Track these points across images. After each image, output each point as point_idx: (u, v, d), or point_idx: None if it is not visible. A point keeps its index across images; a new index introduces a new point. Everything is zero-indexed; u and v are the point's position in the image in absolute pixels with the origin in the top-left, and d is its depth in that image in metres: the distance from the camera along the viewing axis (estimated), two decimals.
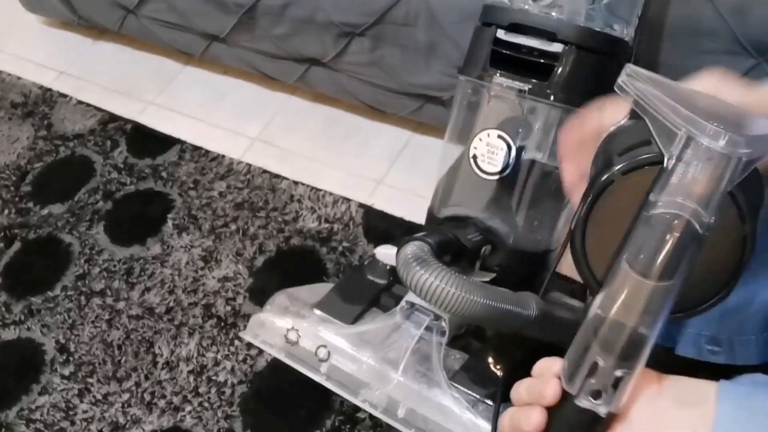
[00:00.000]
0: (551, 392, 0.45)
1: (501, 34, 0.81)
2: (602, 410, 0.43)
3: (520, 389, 0.47)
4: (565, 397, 0.45)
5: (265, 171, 1.27)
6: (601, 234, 0.49)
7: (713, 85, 0.50)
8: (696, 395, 0.45)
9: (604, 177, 0.48)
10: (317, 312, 0.86)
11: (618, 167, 0.48)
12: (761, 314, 0.66)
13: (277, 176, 1.26)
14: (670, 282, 0.42)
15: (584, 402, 0.43)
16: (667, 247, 0.42)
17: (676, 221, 0.42)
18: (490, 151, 0.82)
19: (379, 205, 1.20)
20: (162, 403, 1.01)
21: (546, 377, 0.46)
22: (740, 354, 0.69)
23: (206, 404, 1.00)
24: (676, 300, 0.43)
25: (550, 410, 0.45)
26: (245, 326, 0.87)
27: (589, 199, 0.49)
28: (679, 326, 0.72)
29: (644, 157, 0.46)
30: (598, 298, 0.44)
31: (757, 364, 0.69)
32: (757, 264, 0.56)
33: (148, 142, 1.35)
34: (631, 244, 0.43)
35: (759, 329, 0.68)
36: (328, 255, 1.14)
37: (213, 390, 1.01)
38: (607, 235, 0.47)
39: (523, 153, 0.81)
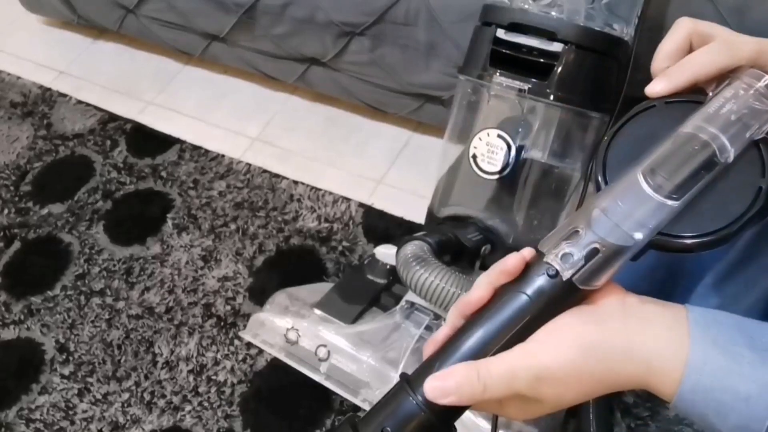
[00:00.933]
0: (512, 261, 0.45)
1: (501, 33, 0.81)
2: (567, 272, 0.43)
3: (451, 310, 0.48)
4: (535, 261, 0.45)
5: (264, 170, 1.27)
6: (624, 151, 0.50)
7: (689, 27, 0.52)
8: (662, 301, 0.46)
9: (647, 103, 0.51)
10: (317, 311, 0.87)
11: (663, 99, 0.50)
12: (760, 304, 0.66)
13: (276, 176, 1.26)
14: (673, 201, 0.43)
15: (551, 258, 0.44)
16: (684, 165, 0.44)
17: (697, 141, 0.44)
18: (490, 151, 0.82)
19: (379, 204, 1.20)
20: (162, 402, 1.01)
21: (478, 285, 0.46)
22: None
23: (206, 404, 1.00)
24: (681, 225, 0.44)
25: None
26: (245, 326, 0.87)
27: (627, 115, 0.51)
28: None
29: (689, 95, 0.50)
30: (602, 193, 0.45)
31: None
32: (756, 253, 0.56)
33: (147, 141, 1.35)
34: (650, 157, 0.45)
35: (759, 317, 0.68)
36: (327, 254, 1.14)
37: (213, 389, 1.01)
38: (629, 152, 0.48)
39: (522, 152, 0.82)
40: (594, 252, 0.43)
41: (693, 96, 0.50)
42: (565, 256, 0.43)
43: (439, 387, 0.44)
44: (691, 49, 0.52)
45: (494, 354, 0.44)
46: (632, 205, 0.44)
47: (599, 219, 0.43)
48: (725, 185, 0.45)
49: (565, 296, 0.44)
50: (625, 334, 0.43)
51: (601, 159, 0.50)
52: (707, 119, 0.45)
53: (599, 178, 0.49)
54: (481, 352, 0.45)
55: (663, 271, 0.74)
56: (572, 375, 0.43)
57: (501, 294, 0.46)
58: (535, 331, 0.44)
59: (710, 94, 0.47)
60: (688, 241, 0.45)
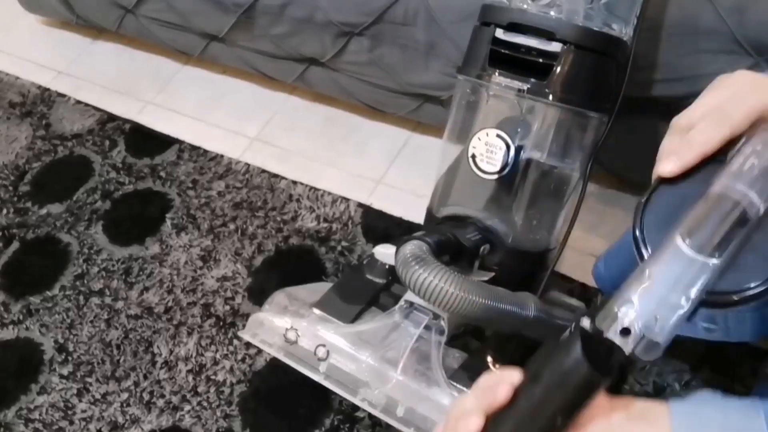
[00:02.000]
0: (503, 391, 0.45)
1: (500, 33, 0.81)
2: (628, 347, 0.44)
3: (463, 401, 0.48)
4: (591, 335, 0.46)
5: (263, 170, 1.27)
6: (661, 211, 0.52)
7: (749, 80, 0.53)
8: (647, 412, 0.47)
9: None
10: (316, 311, 0.86)
11: None
12: None
13: (275, 176, 1.26)
14: (713, 258, 0.45)
15: (611, 334, 0.45)
16: (718, 224, 0.46)
17: (728, 200, 0.46)
18: (489, 151, 0.82)
19: (378, 204, 1.20)
20: (161, 402, 1.01)
21: (498, 382, 0.47)
22: (735, 331, 0.69)
23: (205, 403, 1.00)
24: (726, 280, 0.46)
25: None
26: (244, 325, 0.87)
27: (657, 180, 0.53)
28: None
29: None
30: (649, 261, 0.47)
31: (749, 341, 0.69)
32: (757, 240, 0.57)
33: (146, 141, 1.35)
34: (687, 219, 0.47)
35: (755, 306, 0.68)
36: (326, 254, 1.14)
37: (212, 389, 1.01)
38: (665, 213, 0.50)
39: (521, 152, 0.82)
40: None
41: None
42: (624, 331, 0.45)
43: None
44: None
45: None
46: (677, 272, 0.45)
47: (646, 294, 0.45)
48: (761, 235, 0.48)
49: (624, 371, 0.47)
50: None
51: (639, 229, 0.52)
52: (733, 177, 0.47)
53: (642, 252, 0.51)
54: None
55: None
56: None
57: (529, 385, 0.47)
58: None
59: (731, 151, 0.50)
60: (736, 297, 0.47)
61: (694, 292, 0.45)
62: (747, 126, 0.51)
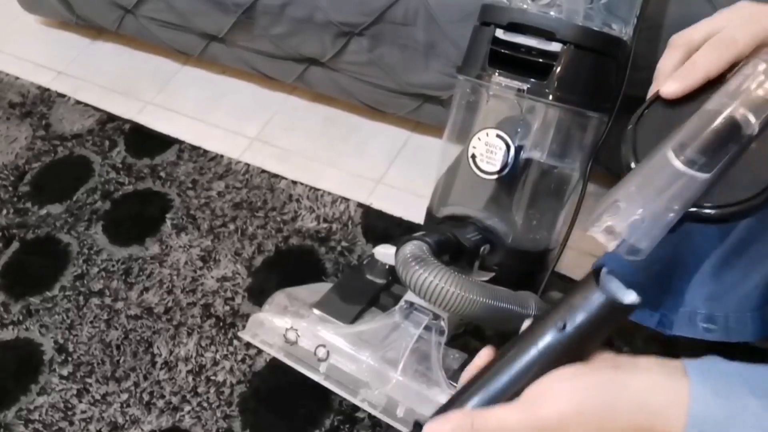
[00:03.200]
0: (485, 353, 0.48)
1: (500, 33, 0.81)
2: (611, 245, 0.45)
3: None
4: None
5: (263, 171, 1.27)
6: (654, 127, 0.52)
7: (752, 8, 0.53)
8: (658, 364, 0.45)
9: None
10: (316, 311, 0.86)
11: None
12: (758, 290, 0.66)
13: (275, 176, 1.26)
14: (704, 174, 0.45)
15: (595, 231, 0.45)
16: (711, 137, 0.46)
17: (723, 116, 0.46)
18: (489, 151, 0.82)
19: (378, 204, 1.20)
20: (161, 403, 1.01)
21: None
22: (735, 331, 0.69)
23: (205, 404, 1.00)
24: (713, 196, 0.46)
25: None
26: (244, 326, 0.87)
27: (650, 99, 0.53)
28: (674, 306, 0.72)
29: None
30: (639, 167, 0.47)
31: (750, 341, 0.69)
32: (755, 240, 0.57)
33: (146, 142, 1.35)
34: (679, 133, 0.47)
35: (755, 306, 0.68)
36: (326, 255, 1.14)
37: (212, 390, 1.01)
38: (658, 128, 0.50)
39: (521, 152, 0.82)
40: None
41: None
42: (608, 228, 0.45)
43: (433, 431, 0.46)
44: None
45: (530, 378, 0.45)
46: (665, 181, 0.45)
47: (634, 197, 0.45)
48: (752, 155, 0.47)
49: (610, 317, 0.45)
50: (620, 383, 0.43)
51: (630, 143, 0.51)
52: (730, 95, 0.47)
53: (630, 162, 0.51)
54: (512, 386, 0.46)
55: (659, 264, 0.74)
56: (570, 426, 0.43)
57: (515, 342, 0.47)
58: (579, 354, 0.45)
59: (730, 74, 0.49)
60: (724, 210, 0.47)
61: (680, 204, 0.45)
62: (750, 51, 0.51)
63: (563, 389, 0.44)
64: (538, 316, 0.48)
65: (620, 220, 0.45)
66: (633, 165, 0.50)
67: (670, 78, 0.51)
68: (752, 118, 0.47)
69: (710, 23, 0.53)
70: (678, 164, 0.45)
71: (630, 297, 0.44)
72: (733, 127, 0.46)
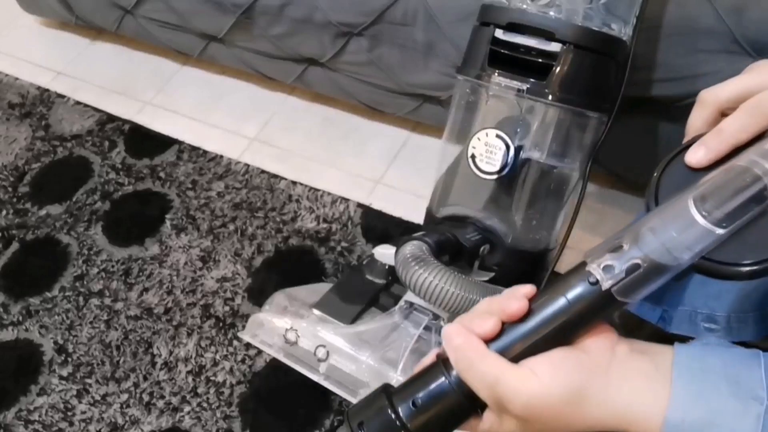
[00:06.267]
0: (517, 306, 0.47)
1: (499, 33, 0.81)
2: (607, 283, 0.45)
3: (482, 302, 0.50)
4: (576, 268, 0.47)
5: (263, 171, 1.27)
6: (676, 182, 0.51)
7: (714, 103, 0.52)
8: (650, 349, 0.47)
9: (698, 135, 0.52)
10: (316, 312, 0.86)
11: None
12: (760, 291, 0.66)
13: (275, 176, 1.26)
14: (720, 229, 0.44)
15: (593, 267, 0.45)
16: (734, 195, 0.45)
17: (750, 174, 0.45)
18: (489, 151, 0.82)
19: (378, 204, 1.20)
20: (161, 403, 1.01)
21: (515, 296, 0.48)
22: (737, 331, 0.69)
23: (205, 404, 1.00)
24: (721, 251, 0.45)
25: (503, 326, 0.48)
26: (244, 326, 0.87)
27: (679, 148, 0.52)
28: (675, 303, 0.72)
29: None
30: (652, 213, 0.47)
31: (751, 341, 0.69)
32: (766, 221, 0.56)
33: (146, 142, 1.35)
34: (702, 185, 0.46)
35: (757, 306, 0.68)
36: (326, 255, 1.14)
37: (212, 390, 1.01)
38: (680, 183, 0.49)
39: (521, 152, 0.82)
40: (635, 267, 0.45)
41: None
42: (607, 268, 0.45)
43: (447, 335, 0.48)
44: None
45: (521, 354, 0.47)
46: (680, 229, 0.45)
47: (646, 237, 0.45)
48: None
49: (602, 305, 0.46)
50: (605, 392, 0.45)
51: (653, 190, 0.51)
52: (762, 154, 0.46)
53: (650, 202, 0.51)
54: (511, 347, 0.47)
55: None
56: (556, 407, 0.45)
57: (540, 296, 0.48)
58: (569, 337, 0.47)
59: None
60: (729, 269, 0.46)
61: (689, 255, 0.45)
62: None
63: (558, 377, 0.45)
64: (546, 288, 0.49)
65: (621, 261, 0.45)
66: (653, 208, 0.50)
67: (697, 145, 0.51)
68: None
69: (741, 82, 0.52)
70: (697, 216, 0.45)
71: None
72: (758, 188, 0.45)
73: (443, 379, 0.48)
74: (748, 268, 0.46)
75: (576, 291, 0.46)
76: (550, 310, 0.47)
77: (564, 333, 0.46)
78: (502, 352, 0.47)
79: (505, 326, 0.47)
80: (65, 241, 1.22)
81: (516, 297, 0.47)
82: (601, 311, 0.46)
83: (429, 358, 0.51)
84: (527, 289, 0.48)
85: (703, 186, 0.46)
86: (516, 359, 0.46)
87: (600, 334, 0.47)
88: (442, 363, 0.49)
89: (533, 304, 0.47)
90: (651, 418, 0.44)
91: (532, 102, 0.81)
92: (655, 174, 0.52)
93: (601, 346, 0.47)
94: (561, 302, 0.46)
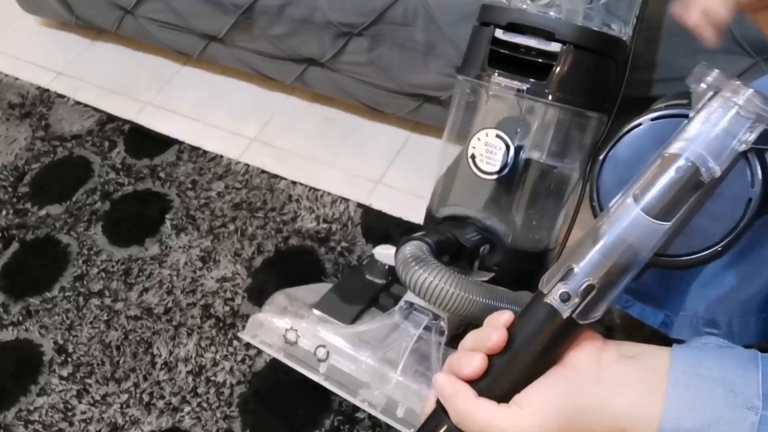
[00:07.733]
0: (496, 338, 0.47)
1: (499, 33, 0.82)
2: (566, 312, 0.45)
3: (467, 337, 0.50)
4: (536, 299, 0.47)
5: (263, 171, 1.27)
6: (616, 174, 0.52)
7: None
8: (642, 351, 0.47)
9: (634, 121, 0.53)
10: (316, 312, 0.86)
11: (648, 115, 0.52)
12: (761, 295, 0.66)
13: (275, 176, 1.26)
14: (665, 222, 0.44)
15: (551, 299, 0.45)
16: (671, 186, 0.45)
17: (682, 163, 0.45)
18: (489, 151, 0.82)
19: (378, 205, 1.20)
20: (161, 403, 1.01)
21: (494, 326, 0.48)
22: (738, 335, 0.69)
23: (205, 405, 1.00)
24: (674, 243, 0.46)
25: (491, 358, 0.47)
26: (244, 326, 0.87)
27: (617, 136, 0.53)
28: (676, 308, 0.72)
29: (673, 110, 0.51)
30: (599, 219, 0.46)
31: (754, 344, 0.69)
32: (758, 245, 0.56)
33: (145, 142, 1.35)
34: (640, 180, 0.46)
35: (758, 310, 0.68)
36: (326, 255, 1.14)
37: (212, 390, 1.01)
38: (620, 175, 0.50)
39: (521, 152, 0.82)
40: (589, 289, 0.45)
41: (678, 110, 0.51)
42: (563, 295, 0.45)
43: (438, 387, 0.48)
44: None
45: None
46: (626, 231, 0.45)
47: (591, 254, 0.45)
48: (717, 199, 0.46)
49: (570, 330, 0.46)
50: (599, 401, 0.45)
51: (594, 184, 0.52)
52: (690, 138, 0.46)
53: (594, 204, 0.52)
54: (498, 384, 0.47)
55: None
56: None
57: (517, 322, 0.48)
58: (550, 361, 0.46)
59: (692, 113, 0.48)
60: (683, 259, 0.47)
61: (642, 256, 0.45)
62: None
63: (547, 407, 0.45)
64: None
65: (575, 287, 0.45)
66: (597, 211, 0.51)
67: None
68: (713, 162, 0.45)
69: None
70: (640, 214, 0.45)
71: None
72: (692, 175, 0.45)
73: (446, 427, 0.49)
74: (701, 256, 0.47)
75: (540, 323, 0.46)
76: (524, 344, 0.46)
77: (544, 360, 0.46)
78: (492, 392, 0.47)
79: (491, 359, 0.47)
80: (65, 241, 1.22)
81: (495, 327, 0.47)
82: (571, 335, 0.46)
83: (429, 406, 0.51)
84: (505, 317, 0.48)
85: (640, 182, 0.46)
86: (507, 396, 0.46)
87: (584, 344, 0.47)
88: (442, 410, 0.49)
89: (512, 330, 0.47)
90: (644, 426, 0.44)
91: (532, 102, 0.81)
92: (595, 164, 0.53)
93: (586, 357, 0.46)
94: (531, 335, 0.46)
